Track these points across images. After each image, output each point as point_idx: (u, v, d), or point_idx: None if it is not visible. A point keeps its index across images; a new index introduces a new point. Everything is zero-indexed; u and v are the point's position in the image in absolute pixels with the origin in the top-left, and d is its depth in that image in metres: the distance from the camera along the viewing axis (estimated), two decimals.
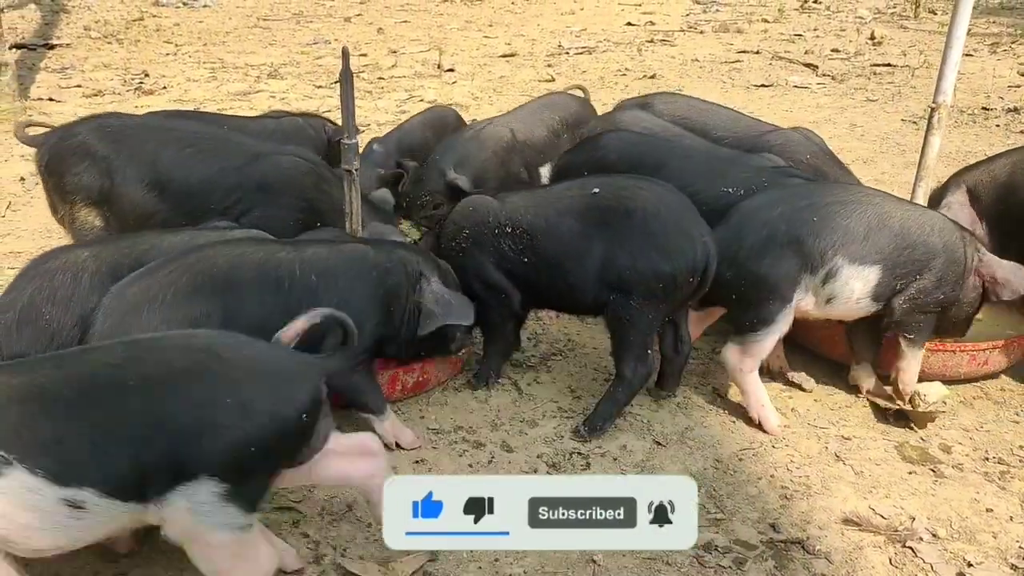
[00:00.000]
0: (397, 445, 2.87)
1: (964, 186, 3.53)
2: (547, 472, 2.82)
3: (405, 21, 10.57)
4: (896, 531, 2.59)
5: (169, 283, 2.50)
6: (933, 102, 3.36)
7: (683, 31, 10.11)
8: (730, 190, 3.15)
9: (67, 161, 3.34)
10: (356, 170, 3.26)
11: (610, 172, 3.24)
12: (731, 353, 3.03)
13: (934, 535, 2.58)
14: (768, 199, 3.06)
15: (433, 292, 2.81)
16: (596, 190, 3.00)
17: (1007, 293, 3.01)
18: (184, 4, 11.17)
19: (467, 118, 6.67)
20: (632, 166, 3.29)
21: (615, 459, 2.89)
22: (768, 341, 2.99)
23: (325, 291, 2.63)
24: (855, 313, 3.06)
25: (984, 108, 6.84)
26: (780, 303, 2.94)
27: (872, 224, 2.94)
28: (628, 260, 2.88)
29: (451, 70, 8.13)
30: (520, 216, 3.05)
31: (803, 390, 3.28)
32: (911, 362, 3.11)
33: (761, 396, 3.05)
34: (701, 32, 10.06)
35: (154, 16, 10.48)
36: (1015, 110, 6.69)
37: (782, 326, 2.98)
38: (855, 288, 2.96)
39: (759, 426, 3.05)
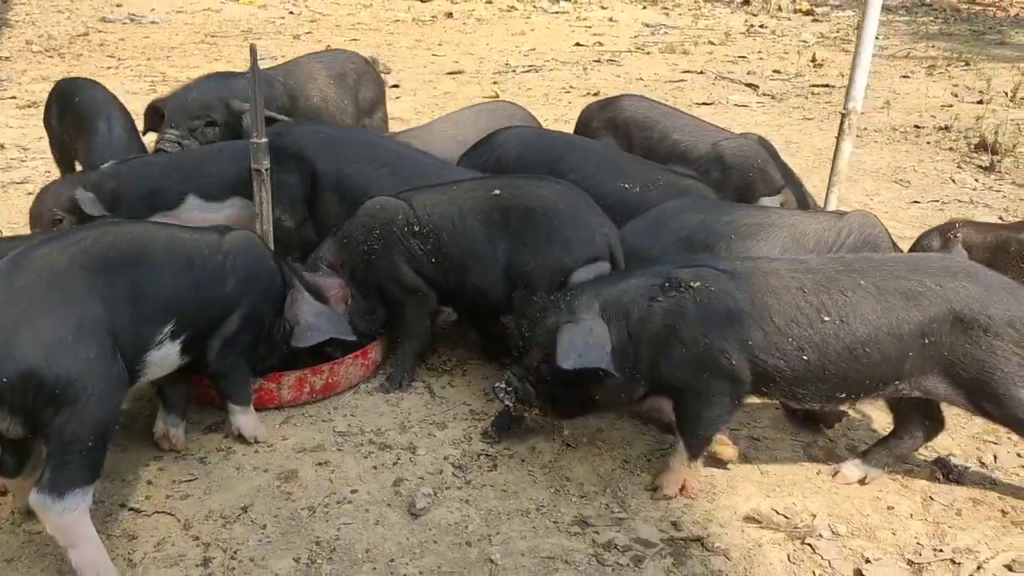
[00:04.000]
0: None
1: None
2: (452, 474, 2.78)
3: (355, 39, 10.55)
4: (796, 528, 2.58)
5: (79, 251, 2.31)
6: (844, 108, 3.41)
7: (631, 52, 10.21)
8: (626, 185, 3.18)
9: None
10: (267, 170, 3.22)
11: (510, 169, 3.27)
12: None
13: (834, 532, 2.57)
14: (691, 205, 3.08)
15: (312, 306, 2.78)
16: (497, 191, 3.02)
17: None
18: (131, 20, 11.06)
19: None
20: (531, 161, 3.32)
21: (523, 460, 2.86)
22: None
23: (230, 273, 2.63)
24: None
25: (916, 126, 6.99)
26: None
27: (787, 246, 2.96)
28: (531, 256, 2.90)
29: (396, 86, 8.11)
30: (428, 215, 3.05)
31: None
32: None
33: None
34: (648, 53, 10.17)
35: (99, 32, 10.36)
36: (945, 128, 6.83)
37: None
38: None
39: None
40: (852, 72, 3.37)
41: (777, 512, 2.65)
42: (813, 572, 2.43)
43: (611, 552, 2.46)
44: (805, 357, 2.49)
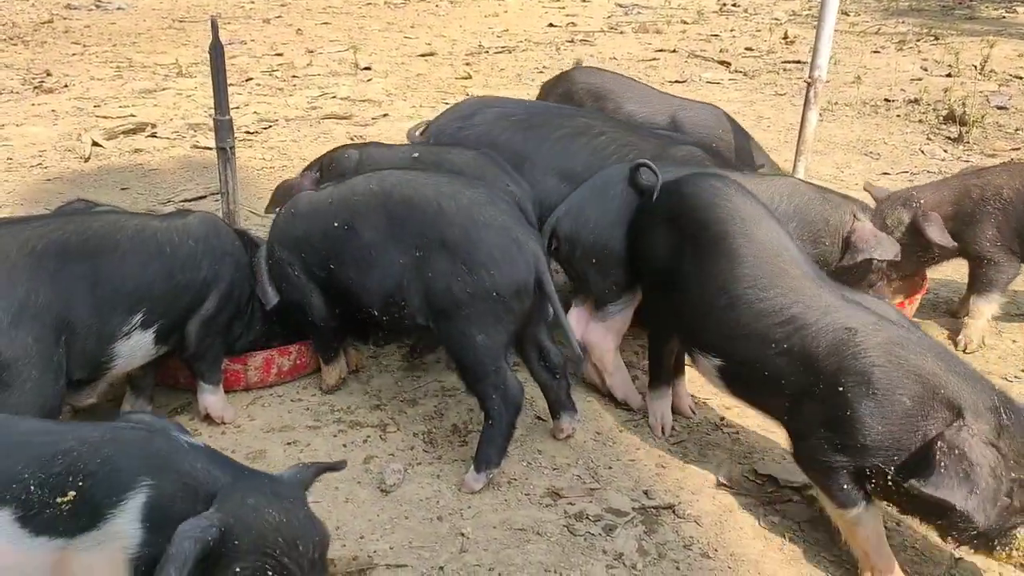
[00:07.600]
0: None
1: None
2: (423, 450, 2.77)
3: (326, 23, 10.45)
4: (767, 493, 2.59)
5: (35, 236, 2.31)
6: (808, 77, 3.40)
7: (604, 32, 10.18)
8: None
9: None
10: (231, 148, 3.18)
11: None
12: (594, 332, 2.85)
13: (803, 496, 2.58)
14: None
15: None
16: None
17: (848, 258, 3.00)
18: (97, 6, 10.88)
19: (378, 113, 6.67)
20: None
21: None
22: (627, 312, 2.88)
23: (204, 256, 2.65)
24: None
25: (886, 99, 7.01)
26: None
27: None
28: None
29: (368, 68, 8.04)
30: None
31: None
32: None
33: (626, 375, 2.96)
34: (621, 33, 10.14)
35: (64, 19, 10.18)
36: (915, 101, 6.86)
37: (636, 296, 2.87)
38: None
39: (624, 404, 2.97)
40: (816, 41, 3.37)
41: (748, 478, 2.66)
42: (784, 535, 2.44)
43: (583, 522, 2.46)
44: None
